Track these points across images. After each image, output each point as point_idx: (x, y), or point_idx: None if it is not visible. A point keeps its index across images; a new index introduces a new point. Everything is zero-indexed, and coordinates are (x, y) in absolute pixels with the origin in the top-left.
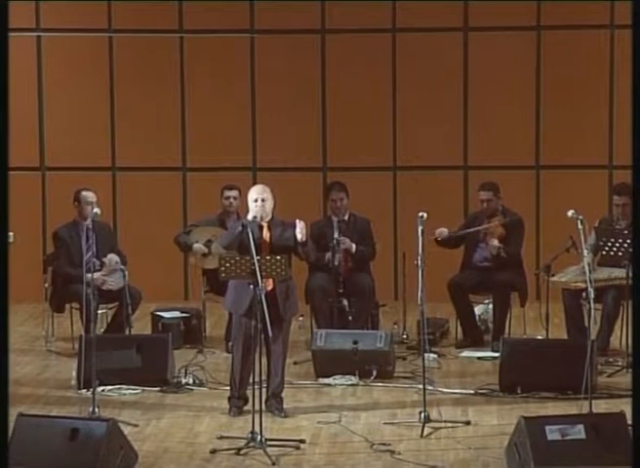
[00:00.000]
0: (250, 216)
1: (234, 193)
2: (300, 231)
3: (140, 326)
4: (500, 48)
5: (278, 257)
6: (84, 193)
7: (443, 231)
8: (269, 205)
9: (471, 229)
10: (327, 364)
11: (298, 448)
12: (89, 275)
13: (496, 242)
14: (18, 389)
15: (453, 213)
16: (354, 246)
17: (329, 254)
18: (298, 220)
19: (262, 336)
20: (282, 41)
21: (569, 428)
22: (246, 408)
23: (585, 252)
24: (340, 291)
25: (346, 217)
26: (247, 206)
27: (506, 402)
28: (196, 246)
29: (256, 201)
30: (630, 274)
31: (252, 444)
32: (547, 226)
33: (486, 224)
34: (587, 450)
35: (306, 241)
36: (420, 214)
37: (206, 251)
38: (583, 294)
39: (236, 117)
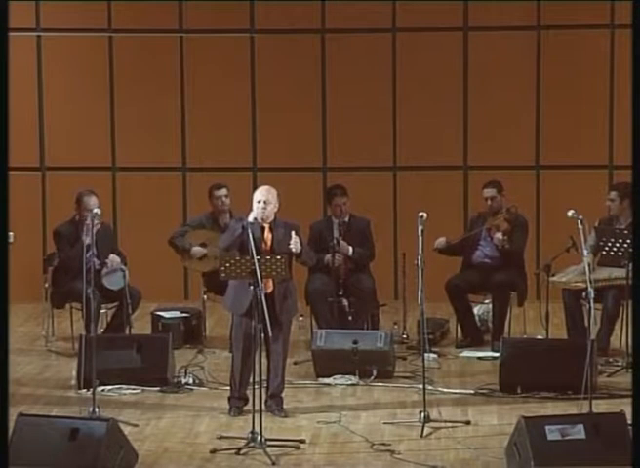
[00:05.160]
0: (250, 218)
1: (224, 192)
2: (294, 245)
3: (140, 326)
4: (500, 48)
5: (278, 257)
6: (86, 199)
7: (441, 241)
8: (271, 208)
9: (472, 232)
10: (327, 364)
11: (298, 448)
12: (89, 274)
13: (500, 235)
14: (18, 389)
15: (453, 213)
16: (351, 249)
17: (329, 256)
18: (293, 233)
19: (263, 336)
20: (282, 41)
21: (569, 428)
22: (246, 408)
23: (585, 252)
24: (340, 292)
25: (347, 219)
26: (250, 206)
27: (506, 402)
28: (195, 249)
29: (259, 202)
30: (630, 274)
31: (252, 444)
32: (547, 226)
33: (490, 220)
34: (587, 450)
35: (301, 252)
36: (420, 214)
37: (205, 252)
38: (583, 294)
39: (236, 117)
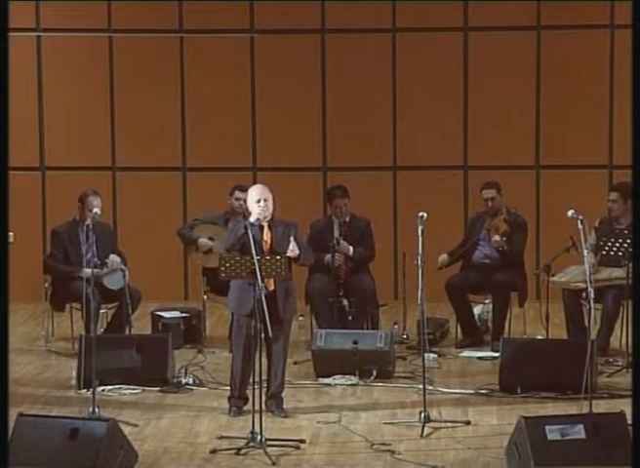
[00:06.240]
0: (253, 218)
1: (245, 195)
2: (292, 251)
3: (140, 326)
4: (500, 48)
5: (278, 257)
6: (90, 199)
7: (444, 258)
8: (271, 204)
9: (471, 241)
10: (327, 364)
11: (298, 448)
12: (88, 271)
13: (497, 237)
14: (18, 389)
15: (453, 213)
16: (352, 249)
17: (329, 256)
18: (292, 238)
19: (263, 336)
20: (282, 41)
21: (569, 428)
22: (246, 408)
23: (585, 252)
24: (340, 292)
25: (347, 219)
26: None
27: (506, 402)
28: (202, 241)
29: (259, 202)
30: (630, 274)
31: (252, 444)
32: (547, 226)
33: (489, 221)
34: (587, 450)
35: (298, 257)
36: (420, 214)
37: (211, 245)
38: (583, 294)
39: (236, 117)
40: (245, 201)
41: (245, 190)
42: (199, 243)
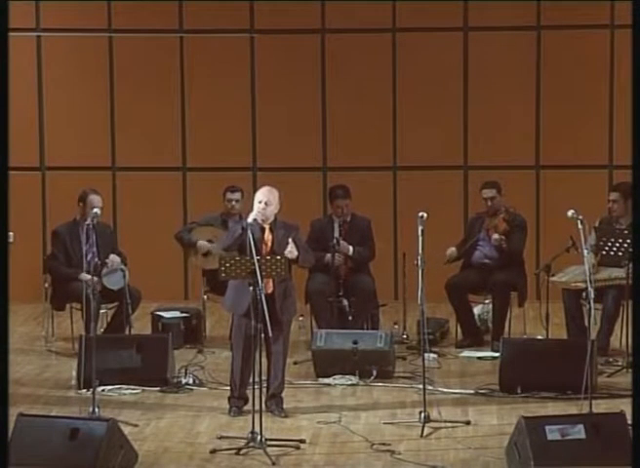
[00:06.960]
0: (250, 219)
1: (237, 196)
2: (290, 252)
3: (140, 326)
4: (500, 48)
5: (278, 257)
6: (91, 197)
7: (452, 251)
8: (271, 209)
9: (475, 237)
10: (327, 364)
11: (298, 448)
12: (88, 277)
13: (497, 236)
14: (18, 389)
15: (453, 213)
16: (351, 248)
17: (329, 256)
18: (290, 239)
19: (263, 336)
20: (282, 41)
21: (569, 428)
22: (246, 408)
23: (585, 252)
24: (340, 292)
25: (348, 219)
26: (252, 206)
27: (506, 402)
28: (200, 242)
29: (260, 202)
30: (630, 274)
31: (252, 444)
32: (547, 226)
33: (489, 221)
34: (587, 450)
35: (297, 258)
36: (420, 214)
37: (210, 247)
38: (583, 294)
39: (236, 117)
40: (237, 201)
41: (235, 191)
42: (198, 245)
